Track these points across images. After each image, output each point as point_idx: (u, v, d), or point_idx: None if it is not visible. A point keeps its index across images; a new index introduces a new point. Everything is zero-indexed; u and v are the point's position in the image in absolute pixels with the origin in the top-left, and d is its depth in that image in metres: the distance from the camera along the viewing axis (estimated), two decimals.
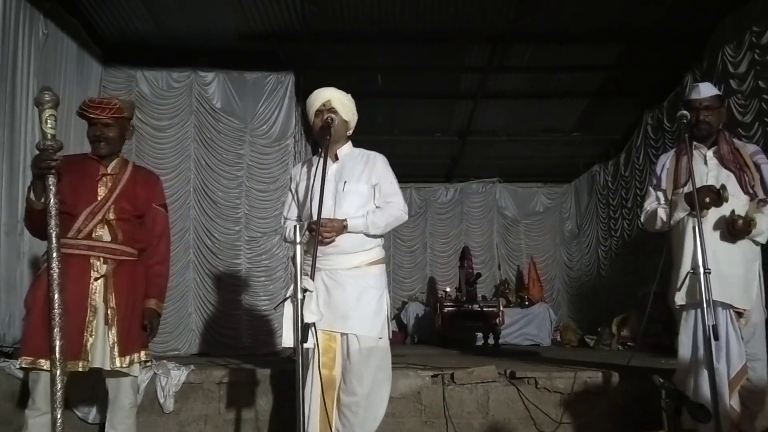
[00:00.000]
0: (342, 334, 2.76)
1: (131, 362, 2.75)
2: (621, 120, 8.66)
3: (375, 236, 2.87)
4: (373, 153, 3.01)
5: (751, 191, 2.95)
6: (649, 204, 3.20)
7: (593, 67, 7.25)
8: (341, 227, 2.75)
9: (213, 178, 6.46)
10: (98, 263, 2.70)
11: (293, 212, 3.01)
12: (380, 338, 2.79)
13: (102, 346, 2.66)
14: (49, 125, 2.42)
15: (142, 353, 2.80)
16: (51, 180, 2.45)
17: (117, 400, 2.81)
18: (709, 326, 2.43)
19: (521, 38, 6.56)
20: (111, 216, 2.74)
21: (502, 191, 10.91)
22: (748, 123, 5.44)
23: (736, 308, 2.85)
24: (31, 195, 2.56)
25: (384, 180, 2.94)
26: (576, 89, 7.94)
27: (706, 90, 3.09)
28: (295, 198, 3.01)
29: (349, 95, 2.96)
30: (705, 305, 2.47)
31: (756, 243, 2.97)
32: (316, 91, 2.93)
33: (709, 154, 3.04)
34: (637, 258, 8.07)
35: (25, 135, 4.66)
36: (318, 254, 2.55)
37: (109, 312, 2.68)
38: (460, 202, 10.86)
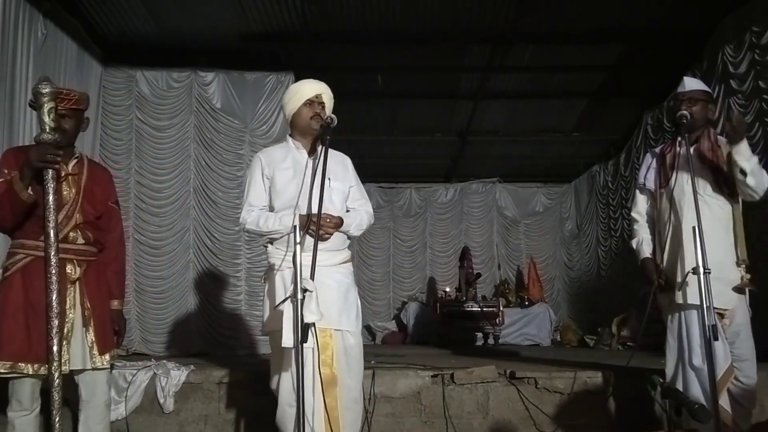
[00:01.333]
0: (336, 331, 2.76)
1: (112, 358, 2.80)
2: (621, 120, 8.66)
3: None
4: (342, 154, 3.01)
5: (726, 191, 2.96)
6: (635, 213, 3.31)
7: (593, 67, 7.24)
8: (341, 223, 2.76)
9: (213, 178, 6.46)
10: (72, 266, 2.69)
11: (262, 200, 2.86)
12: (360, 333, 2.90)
13: (80, 348, 2.67)
14: (50, 117, 2.39)
15: (114, 350, 2.84)
16: (51, 174, 2.43)
17: (93, 399, 2.79)
18: (709, 326, 2.43)
19: (521, 38, 6.55)
20: (80, 220, 2.72)
21: (502, 191, 10.91)
22: (748, 123, 5.44)
23: (718, 309, 2.83)
24: (17, 183, 2.48)
25: (357, 183, 2.99)
26: (576, 89, 7.93)
27: (691, 83, 3.15)
28: (268, 186, 2.86)
29: None
30: (704, 306, 2.47)
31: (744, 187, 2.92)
32: (308, 81, 2.91)
33: (691, 151, 3.04)
34: (637, 258, 8.04)
35: (24, 135, 4.63)
36: (303, 250, 2.42)
37: (86, 313, 2.69)
38: (459, 202, 10.86)
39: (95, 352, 2.70)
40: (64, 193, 2.69)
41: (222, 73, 6.56)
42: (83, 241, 2.73)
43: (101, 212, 2.84)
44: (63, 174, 2.70)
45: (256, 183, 2.87)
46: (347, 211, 2.92)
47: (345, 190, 2.91)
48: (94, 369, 2.71)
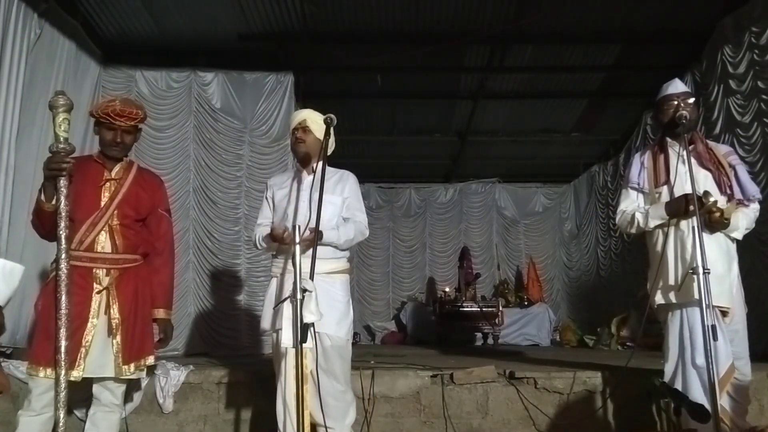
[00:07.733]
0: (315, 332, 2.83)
1: (137, 368, 2.76)
2: (621, 120, 8.66)
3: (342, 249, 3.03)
4: (345, 171, 3.18)
5: (728, 191, 2.96)
6: (627, 206, 3.16)
7: (593, 67, 7.26)
8: (315, 237, 2.74)
9: (212, 178, 6.46)
10: (101, 274, 2.71)
11: (267, 218, 3.14)
12: (348, 339, 2.97)
13: (100, 357, 2.66)
14: (62, 129, 2.51)
15: (150, 358, 2.82)
16: (62, 182, 2.52)
17: (101, 398, 2.80)
18: (708, 326, 2.44)
19: (521, 38, 6.56)
20: (114, 222, 2.76)
21: (501, 191, 10.92)
22: (747, 123, 5.45)
23: (722, 307, 2.84)
24: (42, 197, 2.58)
25: (354, 196, 3.13)
26: (576, 89, 7.95)
27: (682, 85, 3.15)
28: (271, 205, 3.15)
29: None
30: (704, 306, 2.47)
31: (732, 240, 2.99)
32: (294, 112, 3.21)
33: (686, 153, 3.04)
34: (636, 258, 8.06)
35: (10, 135, 4.55)
36: (290, 257, 2.56)
37: (112, 323, 2.69)
38: (459, 203, 10.87)
39: (120, 361, 2.69)
40: (102, 197, 2.77)
41: (221, 74, 6.56)
42: (110, 249, 2.74)
43: (144, 216, 2.90)
44: (104, 179, 2.80)
45: (263, 205, 3.23)
46: (345, 219, 3.04)
47: (337, 202, 3.04)
48: (114, 379, 2.72)
